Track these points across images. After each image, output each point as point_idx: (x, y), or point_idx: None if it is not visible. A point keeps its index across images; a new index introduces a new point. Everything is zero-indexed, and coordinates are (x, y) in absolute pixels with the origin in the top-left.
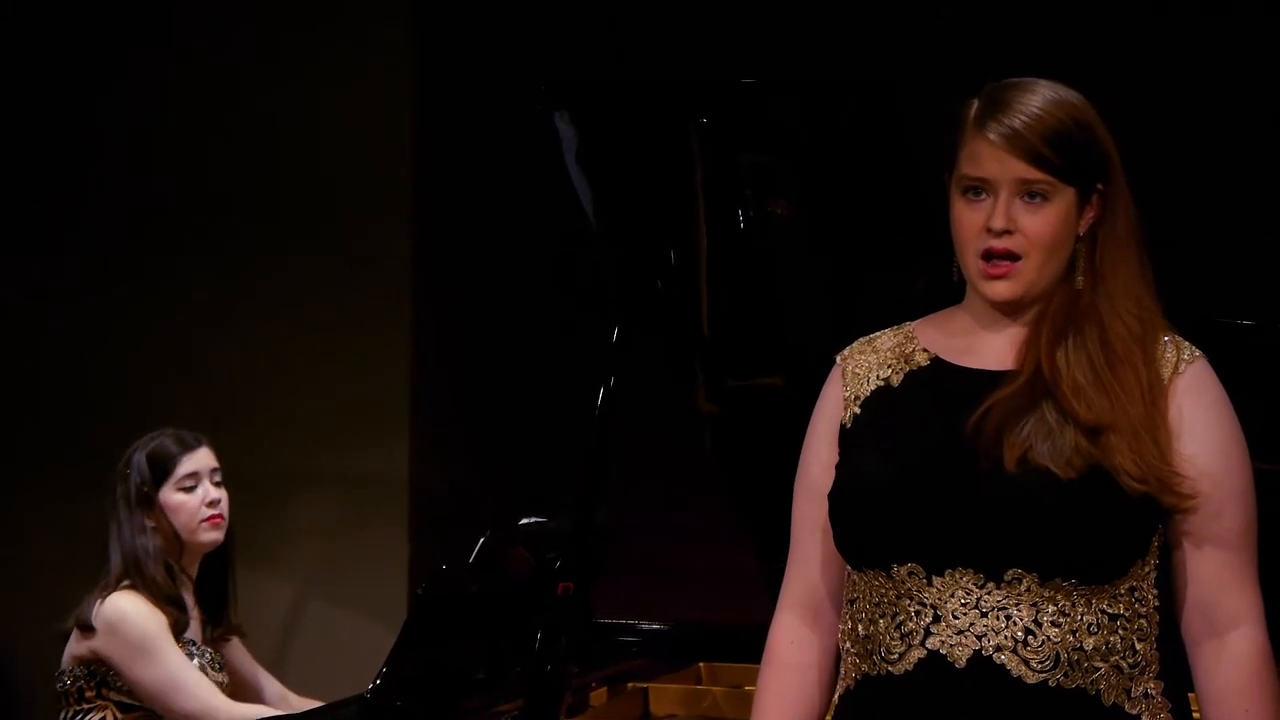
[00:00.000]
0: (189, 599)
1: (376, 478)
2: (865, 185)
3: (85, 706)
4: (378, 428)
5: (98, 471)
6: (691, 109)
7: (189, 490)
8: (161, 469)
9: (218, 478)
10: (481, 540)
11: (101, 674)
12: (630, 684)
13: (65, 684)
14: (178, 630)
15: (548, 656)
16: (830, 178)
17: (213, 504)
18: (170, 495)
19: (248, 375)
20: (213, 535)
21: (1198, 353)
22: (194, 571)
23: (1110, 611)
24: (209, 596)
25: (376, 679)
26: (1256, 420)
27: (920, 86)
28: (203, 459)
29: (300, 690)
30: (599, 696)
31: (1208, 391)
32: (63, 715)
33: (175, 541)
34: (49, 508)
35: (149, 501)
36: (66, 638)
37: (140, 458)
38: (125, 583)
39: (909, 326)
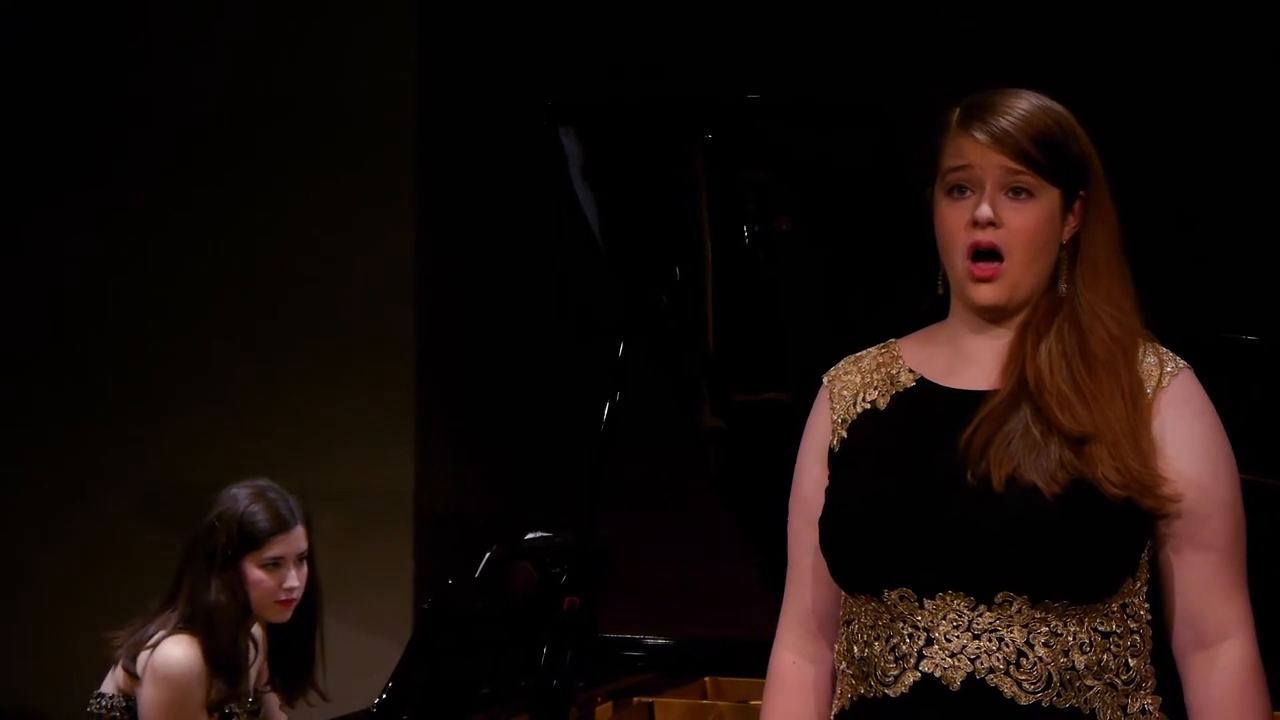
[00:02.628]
0: (255, 657)
1: (382, 493)
2: (870, 201)
3: None
4: (383, 444)
5: (103, 483)
6: (697, 125)
7: (270, 570)
8: (250, 541)
9: (304, 557)
10: (487, 555)
11: (136, 712)
12: (636, 698)
13: (101, 706)
14: (223, 698)
15: (553, 671)
16: (835, 193)
17: (289, 589)
18: (251, 569)
19: (254, 393)
20: (279, 616)
21: (1182, 363)
22: (253, 625)
23: (1103, 630)
24: (282, 661)
25: (382, 694)
26: (1247, 432)
27: (921, 102)
28: (293, 543)
29: (306, 705)
30: (604, 711)
31: (1192, 402)
32: None
33: (246, 606)
34: (65, 510)
35: (231, 563)
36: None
37: (233, 519)
38: (188, 629)
39: (895, 344)
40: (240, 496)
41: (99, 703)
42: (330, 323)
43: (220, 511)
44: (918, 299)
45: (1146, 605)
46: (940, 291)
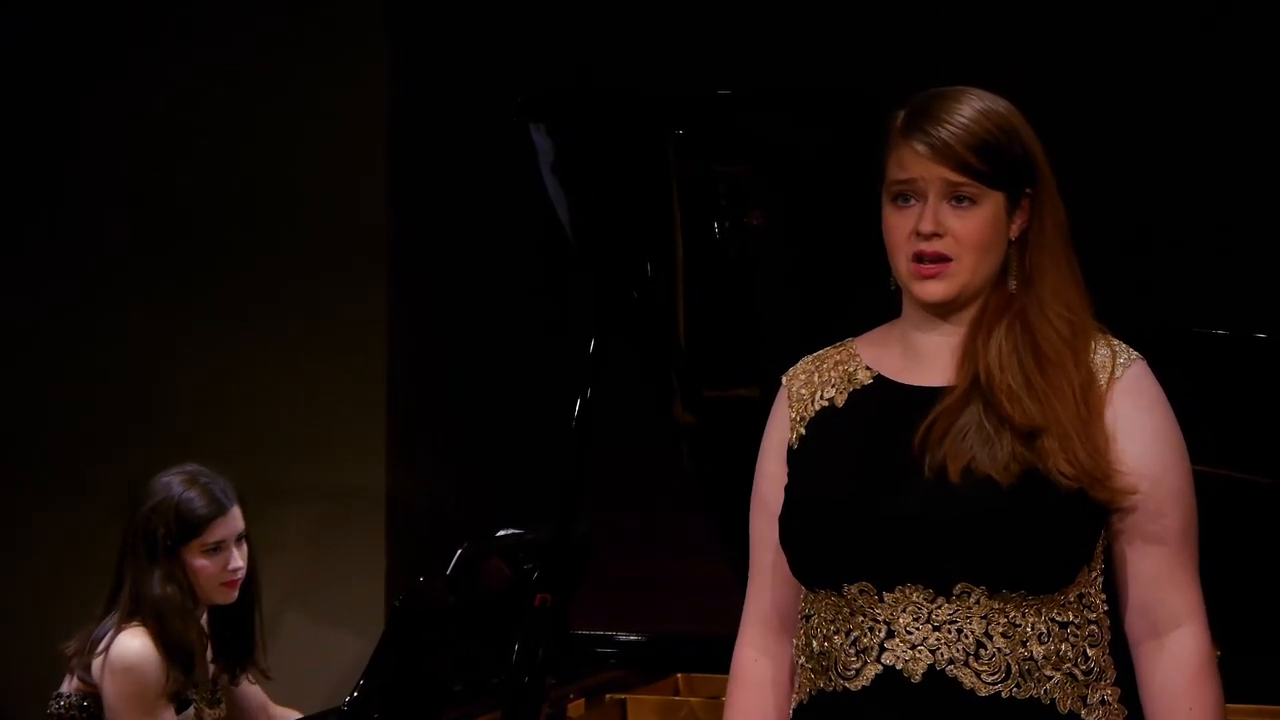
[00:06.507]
0: (199, 645)
1: (354, 490)
2: (843, 196)
3: None
4: (355, 441)
5: (72, 484)
6: (668, 121)
7: (212, 555)
8: (189, 529)
9: (243, 536)
10: (459, 552)
11: (95, 712)
12: (608, 695)
13: (60, 706)
14: (180, 687)
15: (525, 668)
16: (807, 188)
17: (233, 570)
18: (193, 557)
19: (226, 389)
20: (226, 598)
21: (1135, 355)
22: (202, 614)
23: (1060, 620)
24: (228, 641)
25: (354, 691)
26: (1207, 425)
27: (897, 97)
28: (231, 524)
29: (278, 703)
30: (577, 708)
31: (1145, 393)
32: None
33: (191, 594)
34: (32, 509)
35: (171, 553)
36: (69, 659)
37: (169, 508)
38: (137, 620)
39: (852, 343)
40: (172, 484)
41: (58, 702)
42: (303, 320)
43: (154, 502)
44: (889, 293)
45: (1103, 595)
46: (892, 289)
